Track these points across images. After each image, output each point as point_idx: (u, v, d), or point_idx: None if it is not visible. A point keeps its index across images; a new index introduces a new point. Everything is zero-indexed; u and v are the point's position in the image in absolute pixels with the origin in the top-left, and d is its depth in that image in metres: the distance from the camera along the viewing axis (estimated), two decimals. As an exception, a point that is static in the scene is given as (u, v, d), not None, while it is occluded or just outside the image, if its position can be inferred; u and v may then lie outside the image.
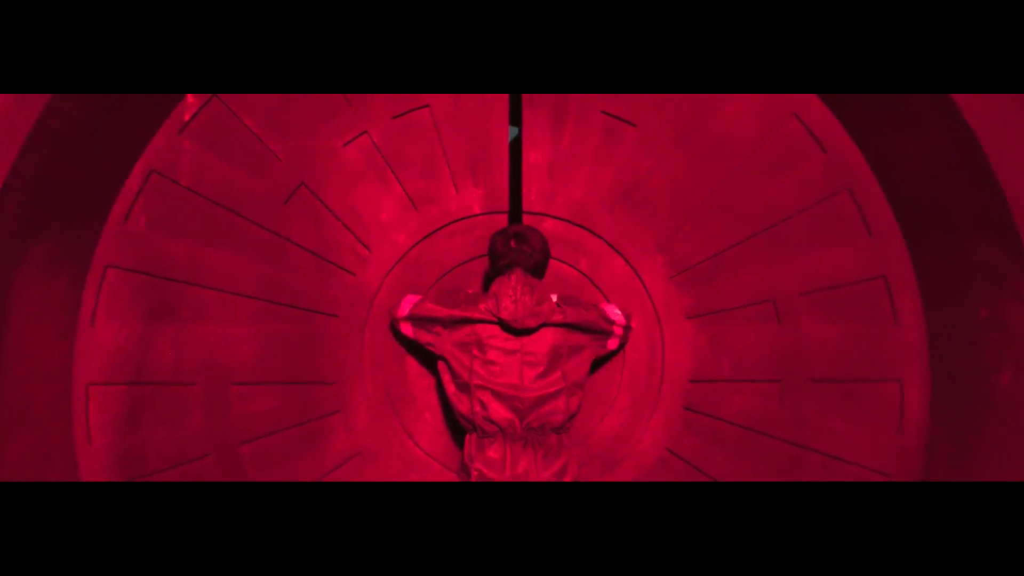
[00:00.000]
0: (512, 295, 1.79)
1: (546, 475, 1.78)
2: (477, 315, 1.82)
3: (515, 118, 2.17)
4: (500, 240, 1.88)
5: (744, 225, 2.11)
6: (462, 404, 1.84)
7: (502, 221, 2.12)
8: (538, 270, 1.90)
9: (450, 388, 1.87)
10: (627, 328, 2.00)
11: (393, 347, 2.11)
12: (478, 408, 1.80)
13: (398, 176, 2.11)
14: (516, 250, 1.85)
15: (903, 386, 2.08)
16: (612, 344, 1.97)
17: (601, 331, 1.92)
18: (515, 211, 2.14)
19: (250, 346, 2.06)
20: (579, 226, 2.11)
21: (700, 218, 2.12)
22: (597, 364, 2.07)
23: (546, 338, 1.82)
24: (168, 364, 2.04)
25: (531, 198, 2.12)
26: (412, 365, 2.12)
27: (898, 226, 2.07)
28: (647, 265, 2.11)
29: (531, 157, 2.12)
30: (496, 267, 1.90)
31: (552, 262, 2.07)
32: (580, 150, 2.12)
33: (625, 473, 2.10)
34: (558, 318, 1.83)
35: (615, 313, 1.97)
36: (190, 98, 2.06)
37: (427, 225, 2.11)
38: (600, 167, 2.13)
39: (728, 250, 2.11)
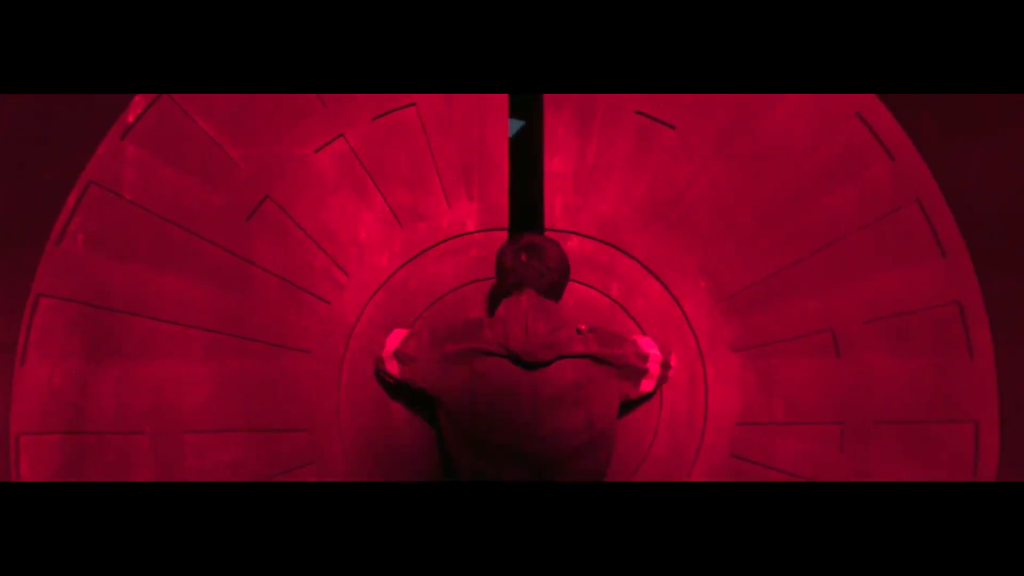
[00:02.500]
0: (522, 321, 1.46)
1: None
2: (481, 346, 1.49)
3: (534, 116, 1.94)
4: (510, 252, 1.55)
5: (799, 243, 1.85)
6: (464, 460, 1.52)
7: (501, 240, 1.84)
8: (554, 290, 1.56)
9: (450, 439, 1.55)
10: (665, 366, 1.65)
11: (375, 388, 1.82)
12: (484, 467, 1.48)
13: (379, 187, 1.84)
14: (527, 265, 1.52)
15: (979, 428, 1.84)
16: (646, 385, 1.62)
17: (633, 368, 1.58)
18: (526, 227, 1.85)
19: (207, 387, 1.79)
20: (609, 245, 1.85)
21: (748, 235, 1.85)
22: (626, 407, 1.77)
23: (565, 374, 1.48)
24: (111, 409, 1.77)
25: (554, 212, 1.85)
26: (398, 409, 1.83)
27: (972, 245, 1.83)
28: (687, 290, 1.85)
29: (553, 165, 1.86)
30: (504, 285, 1.57)
31: (579, 288, 1.82)
32: (610, 157, 1.86)
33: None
34: (579, 348, 1.49)
35: (651, 348, 1.63)
36: (137, 97, 1.78)
37: (414, 245, 1.84)
38: (633, 176, 1.86)
39: (780, 272, 1.85)
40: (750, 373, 1.85)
